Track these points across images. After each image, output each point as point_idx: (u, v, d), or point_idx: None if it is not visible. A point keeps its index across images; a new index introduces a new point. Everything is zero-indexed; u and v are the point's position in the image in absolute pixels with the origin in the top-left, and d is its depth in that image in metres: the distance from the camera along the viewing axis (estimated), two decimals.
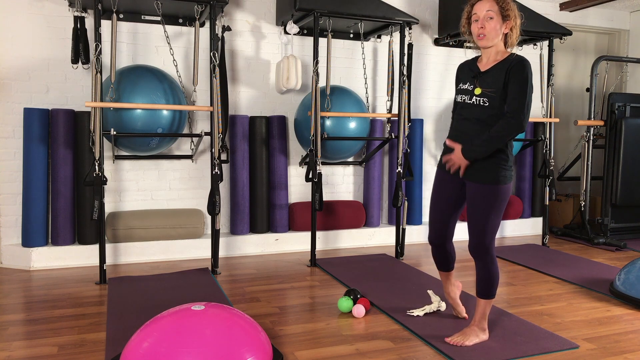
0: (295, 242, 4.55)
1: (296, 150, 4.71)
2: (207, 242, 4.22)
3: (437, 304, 3.02)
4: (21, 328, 2.75)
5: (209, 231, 4.43)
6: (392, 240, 4.84)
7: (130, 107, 3.69)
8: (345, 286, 3.52)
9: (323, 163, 4.62)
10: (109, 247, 4.00)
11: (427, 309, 2.99)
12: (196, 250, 4.24)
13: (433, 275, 3.82)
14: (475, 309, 2.67)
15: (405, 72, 4.31)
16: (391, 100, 4.42)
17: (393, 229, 4.86)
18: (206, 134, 3.92)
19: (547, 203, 4.95)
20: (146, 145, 3.89)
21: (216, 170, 3.78)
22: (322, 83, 4.33)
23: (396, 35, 4.46)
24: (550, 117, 4.83)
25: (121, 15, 4.00)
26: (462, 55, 5.19)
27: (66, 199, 3.92)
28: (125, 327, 2.70)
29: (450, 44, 5.06)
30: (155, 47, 4.25)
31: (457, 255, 2.90)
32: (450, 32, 4.87)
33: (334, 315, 2.99)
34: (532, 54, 5.35)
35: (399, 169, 4.30)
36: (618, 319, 3.00)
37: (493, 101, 2.45)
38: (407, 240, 4.79)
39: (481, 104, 2.48)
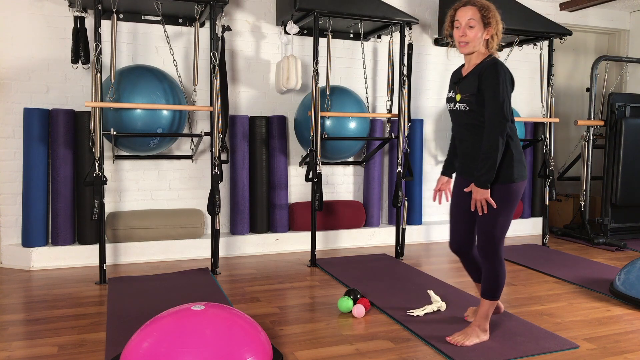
0: (295, 242, 4.55)
1: (296, 150, 4.71)
2: (207, 242, 4.22)
3: (437, 304, 3.02)
4: (21, 328, 2.75)
5: (209, 231, 4.43)
6: (392, 240, 4.84)
7: (130, 107, 3.69)
8: (345, 286, 3.52)
9: (323, 163, 4.62)
10: (109, 247, 4.00)
11: (427, 309, 2.99)
12: (196, 250, 4.24)
13: (433, 275, 3.82)
14: (477, 309, 2.67)
15: (405, 72, 4.31)
16: (391, 100, 4.42)
17: (393, 229, 4.86)
18: (206, 134, 3.92)
19: (547, 203, 4.95)
20: (146, 145, 3.89)
21: (216, 170, 3.78)
22: (322, 83, 4.33)
23: (396, 35, 4.46)
24: (550, 117, 4.83)
25: (121, 15, 4.00)
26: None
27: (66, 199, 3.92)
28: (125, 327, 2.69)
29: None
30: (155, 47, 4.25)
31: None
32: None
33: (334, 315, 2.99)
34: (532, 54, 5.36)
35: (399, 169, 4.30)
36: (618, 319, 3.00)
37: (471, 105, 2.49)
38: (407, 240, 4.79)
39: (462, 109, 2.54)
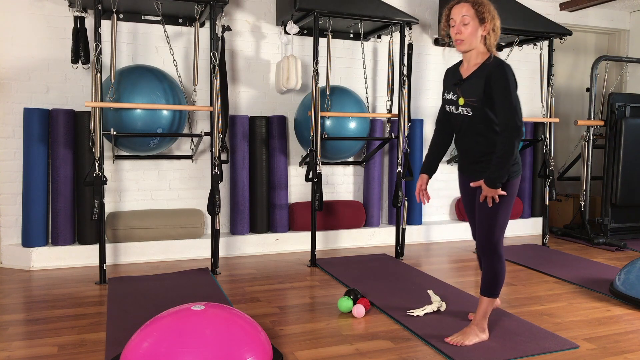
0: (295, 242, 4.55)
1: (296, 150, 4.71)
2: (207, 242, 4.22)
3: (437, 304, 3.02)
4: (21, 328, 2.75)
5: (209, 231, 4.43)
6: (392, 240, 4.84)
7: (130, 107, 3.69)
8: (345, 286, 3.52)
9: (323, 163, 4.62)
10: (109, 247, 4.00)
11: (427, 309, 2.99)
12: (196, 250, 4.24)
13: (433, 275, 3.82)
14: (477, 308, 2.67)
15: (405, 72, 4.31)
16: (391, 100, 4.42)
17: (393, 229, 4.86)
18: (206, 134, 3.92)
19: (547, 203, 4.95)
20: (146, 145, 3.89)
21: (216, 170, 3.77)
22: (322, 83, 4.33)
23: (396, 35, 4.46)
24: (550, 117, 4.83)
25: (121, 15, 4.00)
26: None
27: (66, 199, 3.92)
28: (125, 327, 2.69)
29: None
30: (155, 47, 4.25)
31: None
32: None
33: (334, 315, 2.99)
34: (532, 54, 5.36)
35: (399, 169, 4.30)
36: (618, 319, 3.00)
37: (476, 110, 2.47)
38: (407, 240, 4.79)
39: (466, 114, 2.50)
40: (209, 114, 3.90)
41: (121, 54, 4.13)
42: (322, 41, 4.31)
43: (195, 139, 4.25)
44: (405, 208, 4.36)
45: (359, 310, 2.94)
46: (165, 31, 3.99)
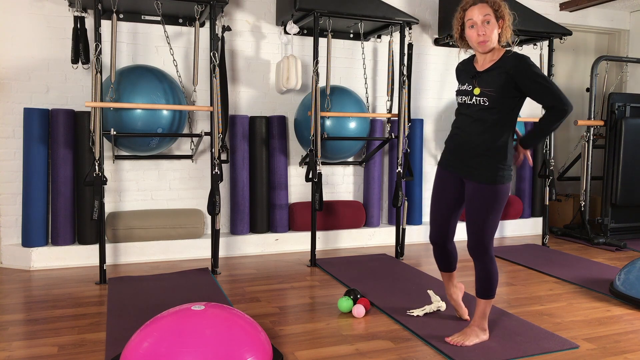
0: (295, 242, 4.55)
1: (296, 150, 4.71)
2: (207, 242, 4.22)
3: (437, 304, 3.02)
4: (21, 328, 2.75)
5: (209, 231, 4.43)
6: (392, 240, 4.84)
7: (130, 107, 3.69)
8: (345, 286, 3.52)
9: (323, 163, 4.62)
10: (109, 247, 4.00)
11: (427, 309, 2.99)
12: (196, 250, 4.24)
13: (433, 275, 3.82)
14: (475, 309, 2.67)
15: (405, 72, 4.31)
16: (391, 100, 4.42)
17: (393, 229, 4.86)
18: (206, 134, 3.92)
19: (547, 203, 4.95)
20: (146, 145, 3.89)
21: (216, 170, 3.78)
22: (322, 83, 4.33)
23: (396, 35, 4.46)
24: None
25: (121, 15, 4.00)
26: (462, 54, 5.18)
27: (66, 199, 3.92)
28: (125, 327, 2.69)
29: (450, 44, 5.06)
30: (155, 47, 4.25)
31: (457, 256, 2.90)
32: (450, 32, 4.83)
33: (334, 315, 2.99)
34: (532, 54, 5.34)
35: (399, 169, 4.30)
36: (618, 319, 3.00)
37: (493, 100, 2.46)
38: (407, 240, 4.78)
39: (481, 103, 2.49)
40: (209, 114, 3.90)
41: (121, 54, 4.13)
42: (322, 41, 4.31)
43: (195, 139, 4.25)
44: (405, 208, 4.36)
45: (359, 310, 2.94)
46: (165, 31, 3.99)
